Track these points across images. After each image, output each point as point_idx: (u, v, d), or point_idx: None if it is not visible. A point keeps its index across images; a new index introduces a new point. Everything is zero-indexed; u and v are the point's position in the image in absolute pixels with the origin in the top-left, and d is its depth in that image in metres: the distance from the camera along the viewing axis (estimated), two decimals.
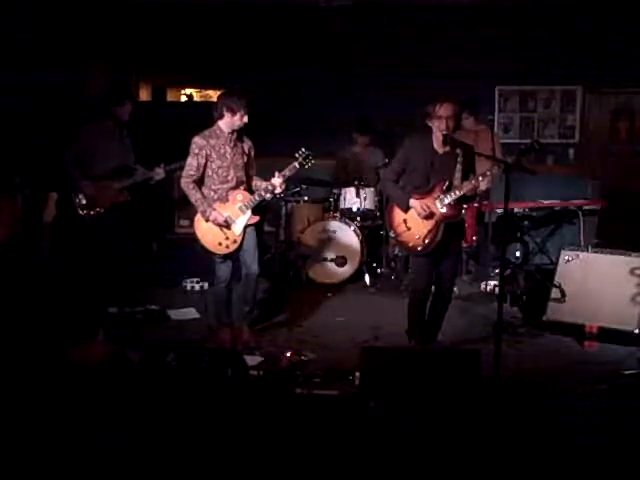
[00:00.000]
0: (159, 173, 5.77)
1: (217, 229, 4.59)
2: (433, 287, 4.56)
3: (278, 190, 4.65)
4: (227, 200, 4.61)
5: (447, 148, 4.30)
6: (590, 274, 4.92)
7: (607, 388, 3.92)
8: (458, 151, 4.28)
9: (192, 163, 4.52)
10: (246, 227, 4.65)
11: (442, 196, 4.27)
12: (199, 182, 4.58)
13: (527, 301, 5.59)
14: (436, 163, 4.31)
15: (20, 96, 5.76)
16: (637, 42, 6.95)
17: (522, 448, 3.20)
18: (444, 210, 4.28)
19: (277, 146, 6.44)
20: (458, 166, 4.26)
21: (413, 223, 4.37)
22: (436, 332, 4.60)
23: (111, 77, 7.47)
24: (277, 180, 4.58)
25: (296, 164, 4.58)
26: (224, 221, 4.55)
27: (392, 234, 4.63)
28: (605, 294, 4.81)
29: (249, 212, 4.63)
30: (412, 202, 4.33)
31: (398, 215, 4.44)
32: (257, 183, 4.75)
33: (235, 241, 4.62)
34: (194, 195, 4.54)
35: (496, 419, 3.42)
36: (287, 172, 4.60)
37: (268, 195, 4.67)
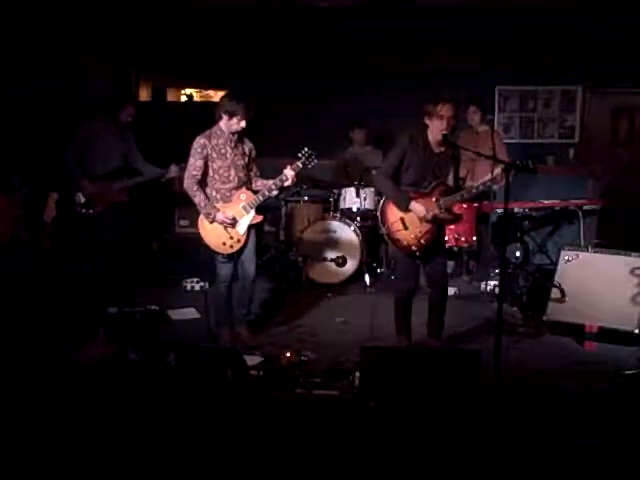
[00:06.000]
0: (174, 171, 5.69)
1: (221, 229, 4.59)
2: (429, 287, 4.58)
3: (290, 182, 4.61)
4: (230, 200, 4.62)
5: (443, 148, 4.29)
6: (590, 274, 4.92)
7: (607, 388, 3.92)
8: (452, 152, 4.29)
9: (195, 163, 4.52)
10: (250, 227, 4.65)
11: (441, 200, 4.26)
12: (202, 183, 4.58)
13: (527, 301, 5.59)
14: (431, 162, 4.29)
15: (20, 95, 5.76)
16: (637, 42, 6.94)
17: (522, 448, 3.20)
18: (443, 214, 4.28)
19: (277, 147, 6.46)
20: (451, 168, 4.26)
21: (411, 223, 4.33)
22: (440, 330, 4.54)
23: (112, 77, 7.48)
24: (290, 172, 4.54)
25: (299, 163, 4.59)
26: (231, 220, 4.55)
27: (384, 230, 4.45)
28: (605, 294, 4.81)
29: (253, 212, 4.63)
30: (414, 205, 4.28)
31: (394, 213, 4.37)
32: (262, 182, 4.73)
33: (239, 240, 4.63)
34: (198, 197, 4.54)
35: (496, 419, 3.42)
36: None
37: (274, 192, 4.67)
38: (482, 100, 6.56)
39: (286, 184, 4.66)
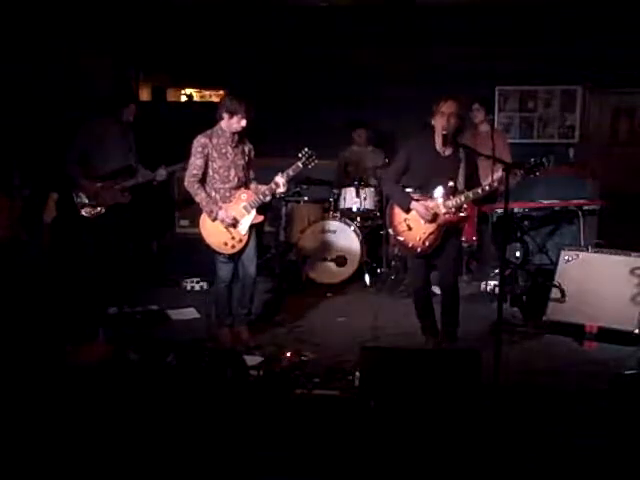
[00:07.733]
0: (161, 174, 5.77)
1: (223, 228, 4.59)
2: (439, 287, 4.59)
3: (281, 189, 4.61)
4: (231, 200, 4.61)
5: (450, 150, 4.25)
6: (590, 274, 4.92)
7: (607, 388, 3.92)
8: (461, 154, 4.23)
9: (195, 162, 4.52)
10: (250, 227, 4.65)
11: (446, 201, 4.24)
12: (202, 182, 4.58)
13: (527, 301, 5.59)
14: (438, 165, 4.26)
15: (21, 95, 5.76)
16: (637, 42, 6.94)
17: (522, 448, 3.20)
18: (447, 215, 4.25)
19: (277, 146, 6.46)
20: (461, 170, 4.22)
21: (414, 224, 4.34)
22: (452, 333, 4.51)
23: (113, 76, 7.49)
24: (280, 179, 4.55)
25: (299, 164, 4.59)
26: (232, 220, 4.55)
27: (391, 231, 4.56)
28: (605, 294, 4.81)
29: (254, 211, 4.63)
30: (414, 204, 4.29)
31: (399, 214, 4.42)
32: (256, 187, 4.74)
33: (241, 240, 4.62)
34: (199, 195, 4.54)
35: (496, 419, 3.42)
36: (290, 172, 4.60)
37: (269, 197, 4.68)
38: (487, 99, 6.56)
39: (278, 191, 4.65)
